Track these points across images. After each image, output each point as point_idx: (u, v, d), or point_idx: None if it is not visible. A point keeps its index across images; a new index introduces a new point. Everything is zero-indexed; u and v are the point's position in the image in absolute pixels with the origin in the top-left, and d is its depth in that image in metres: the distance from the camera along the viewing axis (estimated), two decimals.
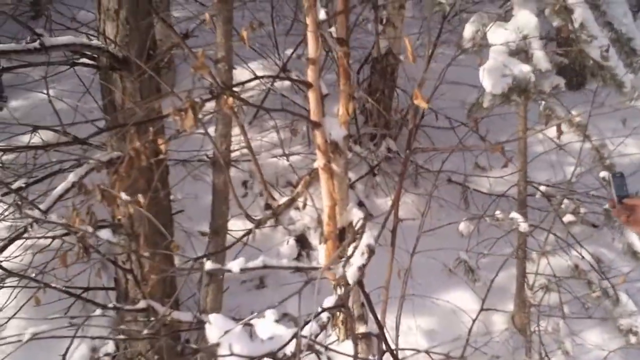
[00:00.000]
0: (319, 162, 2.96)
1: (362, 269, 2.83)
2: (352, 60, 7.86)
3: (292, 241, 6.95)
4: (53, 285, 4.32)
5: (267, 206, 6.74)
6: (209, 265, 3.01)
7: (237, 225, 5.91)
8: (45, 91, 5.03)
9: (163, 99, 4.59)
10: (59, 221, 3.88)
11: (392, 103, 7.90)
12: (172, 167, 6.41)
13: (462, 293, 6.01)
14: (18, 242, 5.21)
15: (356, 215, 3.01)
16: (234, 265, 2.15)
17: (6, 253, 4.99)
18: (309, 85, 2.83)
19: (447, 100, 7.43)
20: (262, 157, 7.29)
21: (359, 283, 2.84)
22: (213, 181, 5.17)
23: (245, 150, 7.01)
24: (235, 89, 2.77)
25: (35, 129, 4.94)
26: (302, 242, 6.97)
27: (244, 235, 3.34)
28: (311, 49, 2.78)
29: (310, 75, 2.82)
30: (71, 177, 4.35)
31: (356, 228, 2.98)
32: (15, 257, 5.63)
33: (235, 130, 7.40)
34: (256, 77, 2.81)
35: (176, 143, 6.28)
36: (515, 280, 5.97)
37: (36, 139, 6.02)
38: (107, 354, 5.76)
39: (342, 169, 3.05)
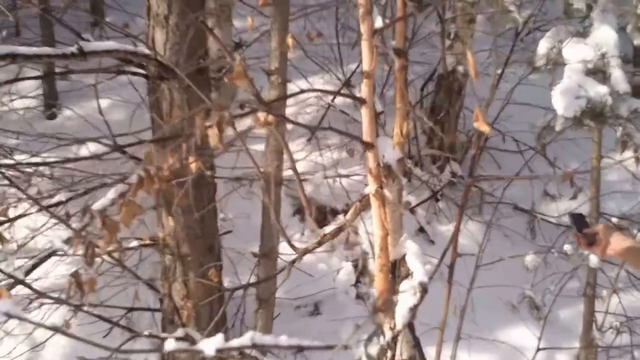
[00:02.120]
0: (370, 188, 2.66)
1: (413, 309, 2.53)
2: (415, 76, 7.60)
3: (349, 267, 6.65)
4: (86, 308, 4.14)
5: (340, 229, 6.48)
6: (170, 344, 2.73)
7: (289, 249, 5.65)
8: (99, 100, 4.88)
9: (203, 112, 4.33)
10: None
11: (458, 124, 7.56)
12: (224, 185, 6.20)
13: (524, 331, 5.62)
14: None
15: (410, 248, 2.70)
16: (208, 346, 1.78)
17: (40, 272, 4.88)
18: (362, 102, 2.54)
19: (516, 123, 7.11)
20: (317, 178, 7.00)
21: (409, 326, 2.54)
22: (262, 201, 4.94)
23: (302, 169, 6.77)
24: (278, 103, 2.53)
25: (78, 141, 4.77)
26: (361, 267, 6.66)
27: (291, 263, 3.06)
28: (366, 61, 2.49)
29: (364, 90, 2.53)
30: (110, 194, 4.12)
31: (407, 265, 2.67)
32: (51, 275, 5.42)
33: (292, 147, 7.26)
34: (298, 93, 2.53)
35: (229, 160, 6.08)
36: (582, 319, 5.59)
37: (85, 151, 5.89)
38: None
39: (396, 196, 2.76)
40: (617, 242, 2.84)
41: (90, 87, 6.22)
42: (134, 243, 4.97)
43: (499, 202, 3.34)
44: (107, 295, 5.18)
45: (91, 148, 5.95)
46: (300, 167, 7.08)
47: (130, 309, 5.27)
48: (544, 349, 4.53)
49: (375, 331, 2.56)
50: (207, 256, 4.91)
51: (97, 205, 4.05)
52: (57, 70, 7.30)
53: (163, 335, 4.05)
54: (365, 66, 2.48)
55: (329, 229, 2.88)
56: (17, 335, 5.21)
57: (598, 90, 3.92)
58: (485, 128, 2.19)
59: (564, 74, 4.05)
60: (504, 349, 5.60)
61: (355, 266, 6.63)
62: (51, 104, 7.90)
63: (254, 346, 1.44)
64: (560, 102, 3.89)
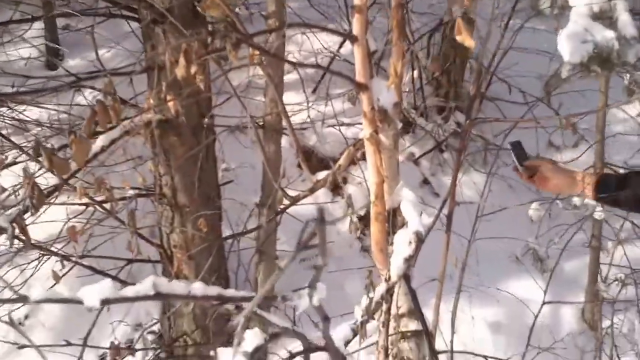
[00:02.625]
0: (365, 132, 2.55)
1: (408, 260, 2.42)
2: (422, 25, 7.46)
3: (354, 218, 6.53)
4: (78, 260, 4.07)
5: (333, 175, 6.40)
6: None
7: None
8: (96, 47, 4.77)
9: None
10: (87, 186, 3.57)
11: (464, 73, 7.42)
12: (228, 136, 6.11)
13: (529, 284, 5.53)
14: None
15: (406, 197, 2.59)
16: (90, 296, 1.49)
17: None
18: (354, 39, 2.40)
19: (522, 72, 6.97)
20: (318, 127, 6.88)
21: (405, 277, 2.44)
22: (263, 150, 4.84)
23: (305, 117, 6.67)
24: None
25: (73, 85, 4.65)
26: (365, 220, 6.56)
27: (282, 211, 2.97)
28: None
29: (355, 26, 2.38)
30: (99, 141, 3.97)
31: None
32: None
33: (297, 97, 7.14)
34: (279, 28, 2.40)
35: (228, 108, 5.97)
36: (587, 271, 5.51)
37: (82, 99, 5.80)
38: (151, 332, 5.56)
39: (392, 141, 2.62)
40: (559, 177, 2.90)
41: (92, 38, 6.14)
42: (130, 193, 4.88)
43: (500, 148, 3.23)
44: (109, 247, 5.12)
45: (89, 97, 5.87)
46: (304, 116, 6.95)
47: (130, 261, 5.14)
48: (549, 302, 4.41)
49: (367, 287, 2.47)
50: (206, 206, 4.76)
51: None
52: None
53: None
54: (357, 0, 2.34)
55: (322, 174, 2.79)
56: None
57: (605, 35, 3.77)
58: (469, 42, 2.06)
59: (570, 18, 3.90)
60: (508, 302, 5.52)
61: (360, 218, 6.54)
62: (54, 53, 7.81)
63: (157, 296, 1.28)
64: (566, 47, 3.74)
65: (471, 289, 4.68)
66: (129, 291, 1.33)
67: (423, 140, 7.07)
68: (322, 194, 6.18)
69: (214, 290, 1.46)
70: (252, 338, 1.49)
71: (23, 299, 1.19)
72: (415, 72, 7.40)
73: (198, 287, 1.44)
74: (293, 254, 1.05)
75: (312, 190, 2.82)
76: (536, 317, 4.39)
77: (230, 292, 1.47)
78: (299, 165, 6.76)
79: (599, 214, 4.75)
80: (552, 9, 4.11)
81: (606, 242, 5.47)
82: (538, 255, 5.30)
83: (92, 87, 4.91)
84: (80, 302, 1.27)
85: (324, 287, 1.33)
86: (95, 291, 1.30)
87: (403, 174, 6.24)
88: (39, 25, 7.40)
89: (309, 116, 6.66)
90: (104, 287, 1.31)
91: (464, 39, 2.08)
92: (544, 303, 4.42)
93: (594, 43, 3.73)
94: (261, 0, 6.93)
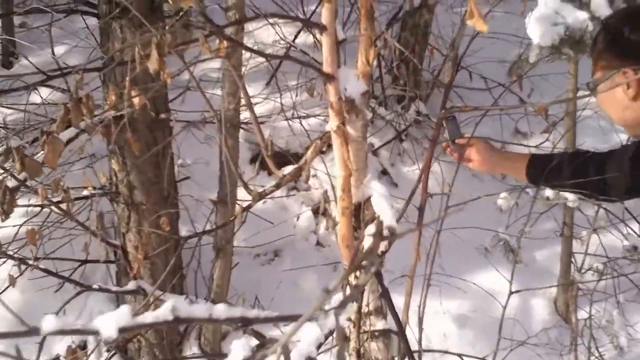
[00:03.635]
0: (332, 124, 2.43)
1: (380, 257, 2.31)
2: (380, 13, 7.37)
3: (309, 213, 6.46)
4: (33, 262, 3.94)
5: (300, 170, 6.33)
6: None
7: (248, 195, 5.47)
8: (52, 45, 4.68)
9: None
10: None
11: (423, 61, 7.34)
12: (184, 132, 6.01)
13: (498, 275, 5.44)
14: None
15: (376, 190, 2.48)
16: (107, 325, 1.37)
17: None
18: (322, 28, 2.28)
19: (484, 58, 6.92)
20: (275, 120, 6.78)
21: (377, 275, 2.33)
22: (220, 145, 4.73)
23: (258, 112, 6.55)
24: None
25: (29, 86, 4.56)
26: (321, 213, 6.47)
27: (244, 209, 2.85)
28: None
29: (324, 15, 2.26)
30: (64, 136, 3.85)
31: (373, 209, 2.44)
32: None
33: (251, 90, 7.03)
34: (250, 19, 2.29)
35: (188, 105, 5.91)
36: (559, 261, 5.44)
37: (38, 99, 5.70)
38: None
39: (360, 133, 2.51)
40: (492, 156, 2.96)
41: (48, 35, 6.01)
42: (85, 192, 4.75)
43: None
44: (63, 248, 5.05)
45: (45, 95, 5.73)
46: (260, 110, 6.93)
47: (83, 262, 5.05)
48: (516, 291, 4.31)
49: (347, 296, 2.36)
50: (162, 204, 4.73)
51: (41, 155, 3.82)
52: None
53: (115, 288, 3.88)
54: None
55: (287, 169, 2.68)
56: None
57: (577, 16, 3.69)
58: (481, 26, 1.95)
59: (538, 1, 3.82)
60: (475, 295, 5.43)
61: (315, 211, 6.46)
62: (8, 52, 7.77)
63: (177, 321, 1.19)
64: (536, 30, 3.65)
65: (437, 282, 4.58)
66: (148, 317, 1.22)
67: (382, 131, 6.98)
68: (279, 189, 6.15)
69: (237, 311, 1.35)
70: (239, 349, 1.38)
71: (35, 331, 1.07)
72: (374, 62, 7.31)
73: (220, 309, 1.33)
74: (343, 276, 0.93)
75: (277, 186, 2.71)
76: (504, 307, 4.26)
77: (254, 312, 1.36)
78: (252, 161, 6.69)
79: (571, 201, 4.67)
80: None
81: (579, 230, 5.42)
82: (509, 246, 5.23)
83: (50, 86, 4.89)
84: (96, 332, 1.16)
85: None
86: (112, 320, 1.18)
87: None
88: None
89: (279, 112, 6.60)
90: (121, 315, 1.19)
91: (476, 22, 1.97)
92: (510, 292, 4.31)
93: (566, 25, 3.66)
94: None
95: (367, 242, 2.38)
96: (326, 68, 2.34)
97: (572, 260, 5.35)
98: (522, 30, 4.00)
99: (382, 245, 2.31)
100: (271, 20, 6.95)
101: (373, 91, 7.22)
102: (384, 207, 2.43)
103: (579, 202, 4.76)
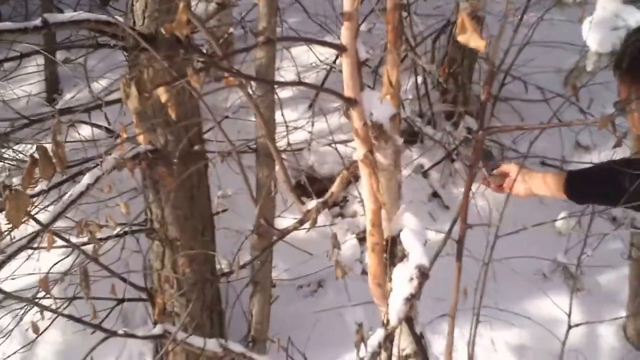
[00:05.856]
0: (358, 153, 2.28)
1: (409, 300, 2.14)
2: (426, 27, 7.24)
3: (354, 240, 6.32)
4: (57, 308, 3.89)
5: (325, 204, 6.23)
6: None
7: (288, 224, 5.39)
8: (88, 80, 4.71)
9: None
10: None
11: (472, 75, 7.17)
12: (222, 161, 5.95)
13: (560, 302, 5.23)
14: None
15: (407, 224, 2.32)
16: None
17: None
18: (342, 49, 2.13)
19: (539, 67, 6.72)
20: (318, 145, 6.68)
21: (407, 320, 2.17)
22: (256, 175, 4.79)
23: (299, 138, 6.48)
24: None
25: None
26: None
27: (264, 250, 2.72)
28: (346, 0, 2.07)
29: (344, 35, 2.11)
30: (86, 179, 3.80)
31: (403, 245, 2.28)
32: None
33: (293, 115, 6.94)
34: (256, 45, 2.15)
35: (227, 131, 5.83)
36: (627, 286, 5.20)
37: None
38: None
39: (391, 161, 2.35)
40: (529, 180, 2.92)
41: (93, 70, 6.01)
42: (117, 230, 4.69)
43: (525, 156, 2.99)
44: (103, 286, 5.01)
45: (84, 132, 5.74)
46: (301, 135, 6.83)
47: (120, 301, 5.06)
48: (576, 325, 4.05)
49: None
50: (198, 239, 4.67)
51: (70, 195, 3.74)
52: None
53: (141, 333, 3.78)
54: (346, 6, 2.07)
55: (311, 204, 2.53)
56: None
57: (639, 18, 3.54)
58: (477, 43, 1.79)
59: (596, 6, 3.66)
60: (534, 324, 5.20)
61: (361, 239, 6.32)
62: (52, 88, 7.98)
63: None
64: (594, 35, 3.51)
65: (487, 317, 4.38)
66: None
67: (432, 151, 6.82)
68: (321, 216, 6.06)
69: None
70: None
71: None
72: (420, 78, 7.18)
73: None
74: None
75: (301, 222, 2.56)
76: (563, 343, 4.05)
77: None
78: (297, 188, 6.58)
79: (639, 219, 4.48)
80: None
81: None
82: (569, 272, 5.02)
83: (84, 121, 5.03)
84: None
85: None
86: None
87: (411, 188, 5.95)
88: (39, 61, 7.73)
89: (310, 133, 6.47)
90: None
91: (469, 38, 1.80)
92: (570, 327, 4.08)
93: (627, 28, 3.49)
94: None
95: (395, 285, 2.23)
96: (347, 92, 2.19)
97: None
98: (579, 37, 3.86)
99: (411, 287, 2.15)
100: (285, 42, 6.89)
101: (420, 109, 7.07)
102: (413, 243, 2.27)
103: None
